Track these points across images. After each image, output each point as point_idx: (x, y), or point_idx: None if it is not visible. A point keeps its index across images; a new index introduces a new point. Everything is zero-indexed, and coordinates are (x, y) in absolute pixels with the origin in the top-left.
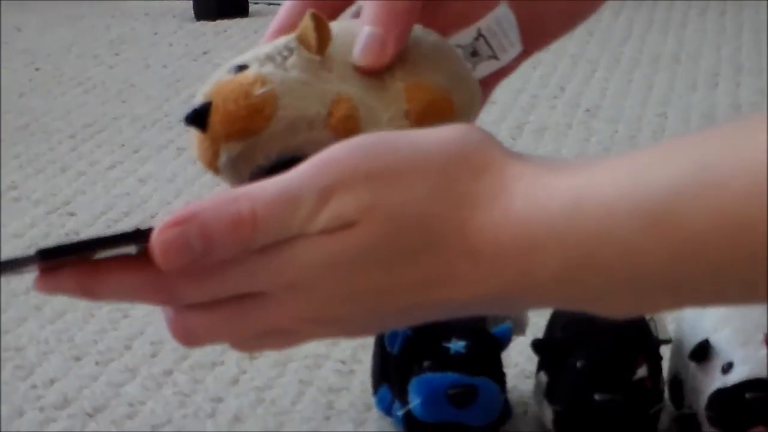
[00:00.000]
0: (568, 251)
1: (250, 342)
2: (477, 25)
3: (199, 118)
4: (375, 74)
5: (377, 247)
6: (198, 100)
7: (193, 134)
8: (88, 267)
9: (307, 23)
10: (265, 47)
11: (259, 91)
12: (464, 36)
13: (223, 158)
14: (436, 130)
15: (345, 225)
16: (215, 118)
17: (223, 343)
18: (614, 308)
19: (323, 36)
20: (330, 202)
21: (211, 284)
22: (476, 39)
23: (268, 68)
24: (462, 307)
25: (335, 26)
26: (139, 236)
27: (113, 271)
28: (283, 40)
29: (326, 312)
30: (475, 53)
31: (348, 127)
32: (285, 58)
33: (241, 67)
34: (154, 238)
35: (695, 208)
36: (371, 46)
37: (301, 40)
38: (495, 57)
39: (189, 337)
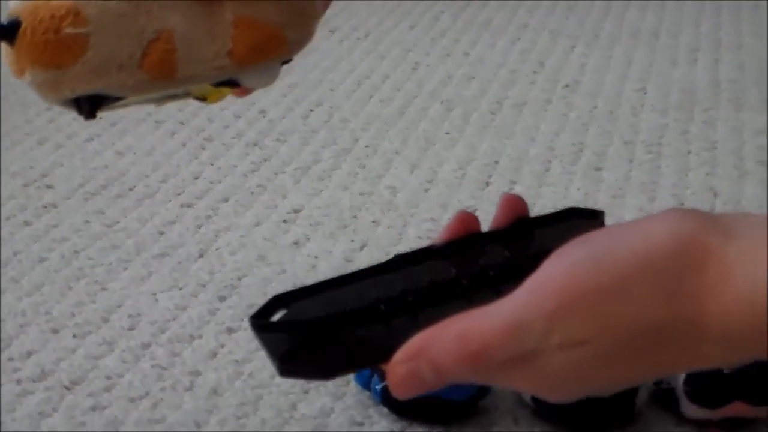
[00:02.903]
0: None
1: None
2: None
3: (6, 35)
4: None
5: (615, 353)
6: (11, 8)
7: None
8: None
9: None
10: None
11: (69, 30)
12: None
13: (27, 78)
14: (650, 225)
15: (579, 343)
16: (22, 42)
17: None
18: None
19: None
20: (559, 326)
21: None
22: None
23: None
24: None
25: None
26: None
27: None
28: None
29: (567, 392)
30: None
31: (164, 70)
32: None
33: None
34: (389, 373)
35: None
36: None
37: None
38: None
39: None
